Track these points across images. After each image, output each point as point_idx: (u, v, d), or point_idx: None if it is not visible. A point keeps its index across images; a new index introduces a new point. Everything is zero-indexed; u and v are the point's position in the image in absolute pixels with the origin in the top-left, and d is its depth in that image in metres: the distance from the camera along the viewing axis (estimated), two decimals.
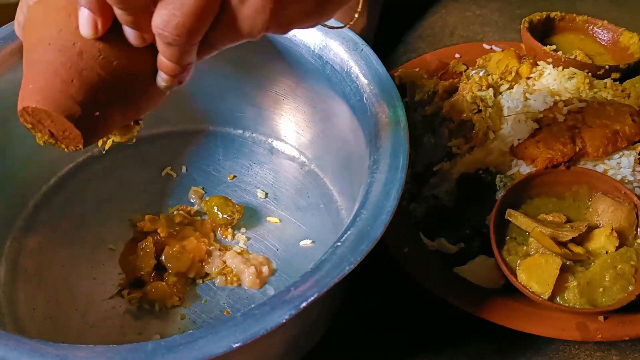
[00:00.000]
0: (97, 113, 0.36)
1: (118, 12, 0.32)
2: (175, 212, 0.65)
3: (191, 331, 0.40)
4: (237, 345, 0.39)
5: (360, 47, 0.58)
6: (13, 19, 0.60)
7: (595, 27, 0.76)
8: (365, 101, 0.55)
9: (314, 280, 0.42)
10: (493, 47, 0.78)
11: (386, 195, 0.47)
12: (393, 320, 0.60)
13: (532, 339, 0.58)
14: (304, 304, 0.41)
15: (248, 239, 0.64)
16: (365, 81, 0.56)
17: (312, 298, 0.41)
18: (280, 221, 0.65)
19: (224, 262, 0.61)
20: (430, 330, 0.59)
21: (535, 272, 0.52)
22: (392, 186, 0.47)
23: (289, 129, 0.70)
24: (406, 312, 0.60)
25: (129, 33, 0.34)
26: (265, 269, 0.61)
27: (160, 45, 0.33)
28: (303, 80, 0.65)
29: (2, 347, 0.41)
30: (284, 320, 0.40)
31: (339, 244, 0.45)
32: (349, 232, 0.45)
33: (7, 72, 0.59)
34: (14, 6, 0.58)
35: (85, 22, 0.33)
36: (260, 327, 0.40)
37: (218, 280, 0.61)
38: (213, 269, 0.61)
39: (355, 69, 0.57)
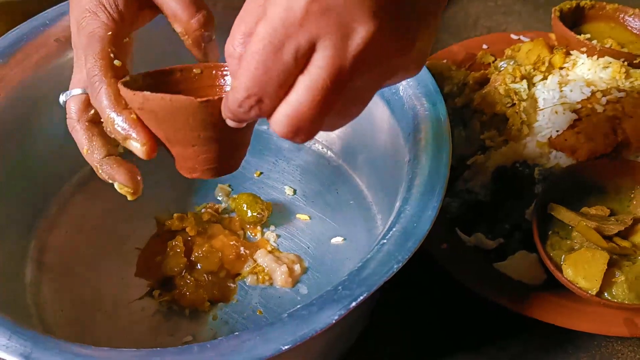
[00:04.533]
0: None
1: None
2: (202, 210, 0.64)
3: (237, 333, 0.39)
4: (286, 347, 0.38)
5: None
6: (32, 15, 0.60)
7: (626, 16, 0.74)
8: (401, 94, 0.54)
9: (361, 278, 0.41)
10: (521, 37, 0.76)
11: (431, 190, 0.46)
12: (430, 317, 0.59)
13: (572, 335, 0.56)
14: (353, 304, 0.39)
15: (278, 236, 0.62)
16: None
17: (362, 297, 0.39)
18: (310, 218, 0.64)
19: (255, 261, 0.60)
20: (469, 327, 0.58)
21: (582, 267, 0.50)
22: (437, 181, 0.46)
23: None
24: (444, 309, 0.59)
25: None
26: (297, 268, 0.59)
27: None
28: None
29: (39, 348, 0.39)
30: (334, 321, 0.39)
31: (385, 241, 0.43)
32: (394, 229, 0.44)
33: (30, 69, 0.58)
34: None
35: (236, 124, 0.37)
36: (310, 328, 0.38)
37: (249, 279, 0.59)
38: (244, 268, 0.59)
39: None
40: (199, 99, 0.38)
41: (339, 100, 0.32)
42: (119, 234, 0.62)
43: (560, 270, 0.52)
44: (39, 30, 0.58)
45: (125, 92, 0.40)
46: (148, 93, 0.39)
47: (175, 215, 0.62)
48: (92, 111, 0.45)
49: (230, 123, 0.36)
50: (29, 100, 0.59)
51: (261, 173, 0.68)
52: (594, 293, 0.50)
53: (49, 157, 0.62)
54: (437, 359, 0.57)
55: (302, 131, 0.32)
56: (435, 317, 0.59)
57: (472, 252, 0.57)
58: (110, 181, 0.46)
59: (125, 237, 0.62)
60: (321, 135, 0.69)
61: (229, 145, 0.42)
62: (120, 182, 0.46)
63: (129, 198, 0.47)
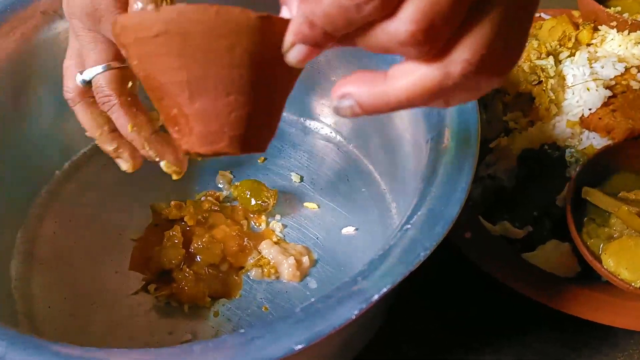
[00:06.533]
0: None
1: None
2: (202, 199, 0.59)
3: (243, 330, 0.34)
4: (300, 346, 0.33)
5: None
6: None
7: None
8: None
9: (384, 268, 0.36)
10: (542, 14, 0.71)
11: (459, 170, 0.41)
12: (452, 311, 0.55)
13: (607, 332, 0.52)
14: (376, 297, 0.35)
15: (284, 226, 0.58)
16: None
17: (385, 289, 0.35)
18: (319, 207, 0.59)
19: (260, 253, 0.55)
20: (494, 323, 0.54)
21: (624, 257, 0.46)
22: (465, 160, 0.41)
23: (324, 106, 0.64)
24: (467, 302, 0.55)
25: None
26: (305, 260, 0.55)
27: None
28: (340, 51, 0.59)
29: (16, 348, 0.35)
30: (354, 316, 0.34)
31: (409, 226, 0.39)
32: (418, 213, 0.39)
33: (16, 43, 0.54)
34: None
35: (303, 54, 0.30)
36: (327, 324, 0.34)
37: (253, 272, 0.55)
38: (248, 260, 0.55)
39: None
40: (256, 13, 0.28)
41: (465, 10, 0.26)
42: (114, 224, 0.58)
43: (600, 261, 0.47)
44: (24, 2, 0.54)
45: (138, 14, 0.30)
46: (182, 4, 0.29)
47: (172, 203, 0.58)
48: (130, 84, 0.43)
49: (295, 53, 0.29)
50: (17, 78, 0.55)
51: (265, 159, 0.63)
52: (638, 285, 0.45)
53: (37, 141, 0.58)
54: (458, 356, 0.52)
55: (435, 31, 0.26)
56: (457, 311, 0.55)
57: (498, 242, 0.53)
58: (157, 159, 0.46)
59: (120, 227, 0.58)
60: (330, 119, 0.64)
61: (265, 103, 0.32)
62: (170, 161, 0.46)
63: (174, 178, 0.47)
